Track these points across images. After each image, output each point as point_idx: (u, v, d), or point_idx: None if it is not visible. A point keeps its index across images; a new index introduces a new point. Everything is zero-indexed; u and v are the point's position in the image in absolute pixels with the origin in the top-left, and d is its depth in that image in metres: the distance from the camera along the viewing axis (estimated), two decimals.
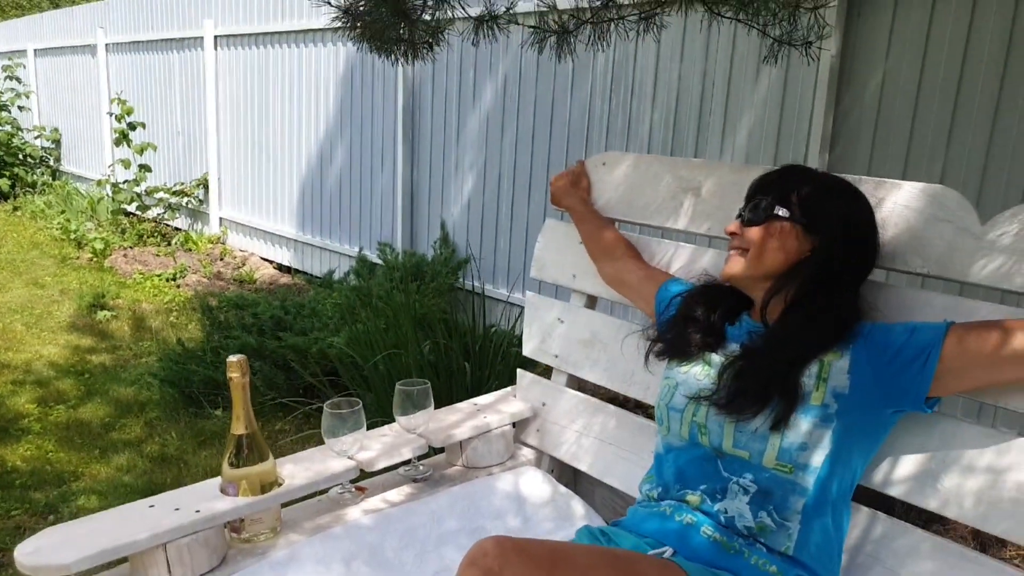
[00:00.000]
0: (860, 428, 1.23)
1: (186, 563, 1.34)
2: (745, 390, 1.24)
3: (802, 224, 1.29)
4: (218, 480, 1.48)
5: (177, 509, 1.38)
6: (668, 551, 1.21)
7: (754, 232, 1.32)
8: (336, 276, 5.00)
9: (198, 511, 1.37)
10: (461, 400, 1.97)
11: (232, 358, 1.43)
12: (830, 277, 1.29)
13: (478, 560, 0.98)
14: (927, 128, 2.77)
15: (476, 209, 4.40)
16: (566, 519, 1.68)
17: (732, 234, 1.36)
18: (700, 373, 1.34)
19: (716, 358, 1.35)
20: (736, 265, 1.34)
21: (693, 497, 1.27)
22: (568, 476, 1.90)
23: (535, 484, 1.75)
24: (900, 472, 1.33)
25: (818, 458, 1.20)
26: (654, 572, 1.07)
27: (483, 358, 2.89)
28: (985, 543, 2.30)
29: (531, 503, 1.70)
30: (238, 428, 1.46)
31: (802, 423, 1.20)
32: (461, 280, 4.40)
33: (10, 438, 3.26)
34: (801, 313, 1.28)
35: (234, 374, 1.43)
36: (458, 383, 2.73)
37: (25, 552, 1.27)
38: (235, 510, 1.41)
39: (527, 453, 1.91)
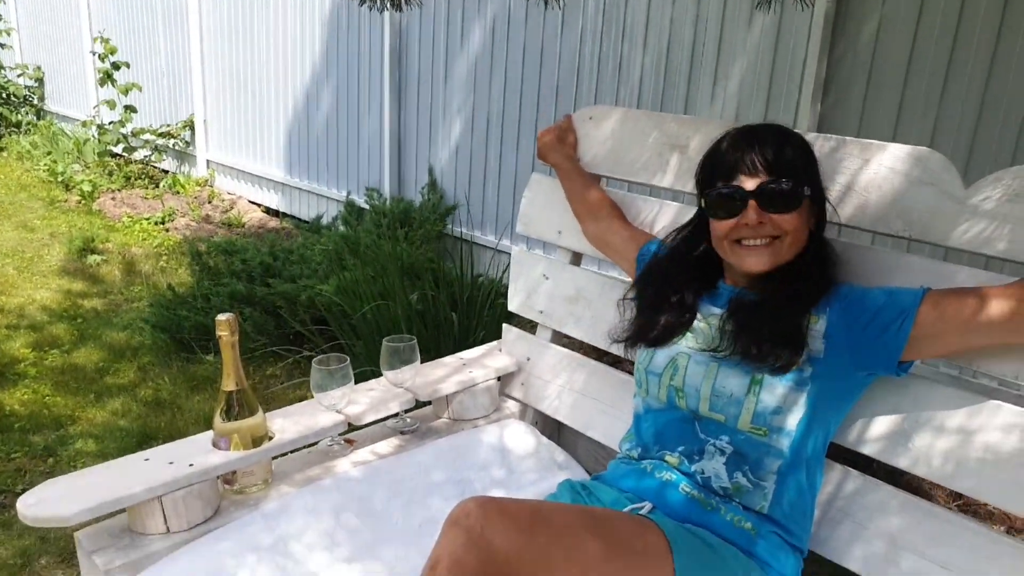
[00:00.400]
0: (834, 391, 1.26)
1: (181, 514, 1.38)
2: (759, 335, 1.24)
3: (811, 196, 1.29)
4: (210, 434, 1.51)
5: (171, 463, 1.42)
6: (647, 506, 1.25)
7: (789, 220, 1.25)
8: (324, 221, 4.99)
9: (191, 465, 1.41)
10: (448, 351, 2.01)
11: (221, 317, 1.45)
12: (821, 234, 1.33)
13: (460, 520, 1.02)
14: (922, 78, 2.75)
15: (464, 155, 4.37)
16: (549, 470, 1.73)
17: (755, 224, 1.26)
18: (679, 341, 1.36)
19: (700, 324, 1.36)
20: (765, 259, 1.27)
21: (672, 458, 1.32)
22: (552, 428, 1.95)
23: (519, 436, 1.79)
24: (873, 431, 1.37)
25: (792, 421, 1.24)
26: (631, 529, 1.11)
27: (470, 309, 2.91)
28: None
29: (515, 455, 1.75)
30: (228, 384, 1.48)
31: (777, 387, 1.23)
32: (449, 227, 4.40)
33: (7, 382, 3.30)
34: (795, 269, 1.29)
35: (223, 332, 1.45)
36: (445, 334, 2.75)
37: (28, 504, 1.31)
38: (227, 464, 1.45)
39: (512, 406, 1.95)
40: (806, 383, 1.24)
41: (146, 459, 1.43)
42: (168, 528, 1.38)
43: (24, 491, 2.55)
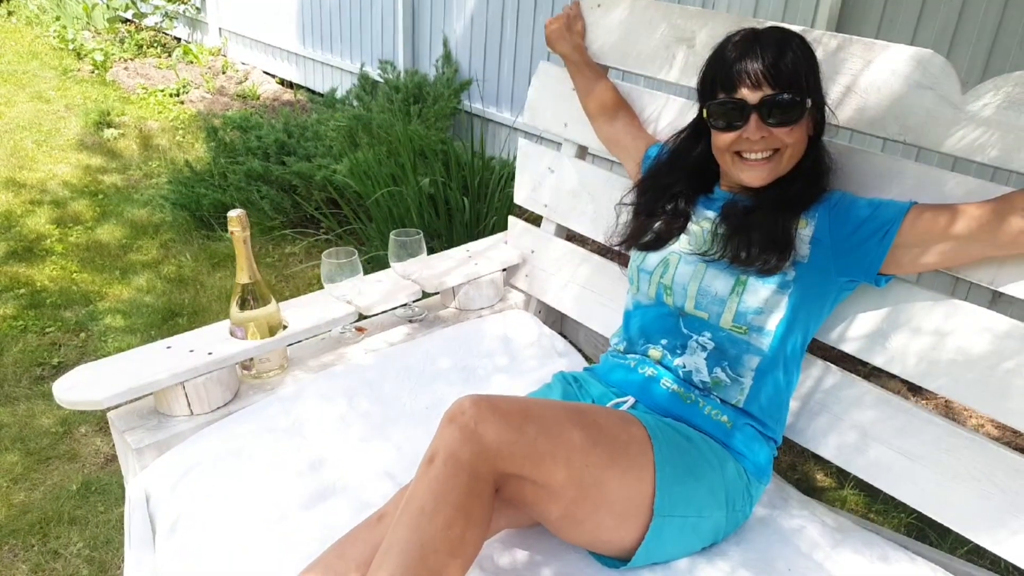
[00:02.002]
0: (815, 295, 1.32)
1: (203, 398, 1.50)
2: (749, 239, 1.29)
3: (812, 103, 1.29)
4: (227, 323, 1.61)
5: (192, 351, 1.52)
6: (630, 401, 1.34)
7: (790, 132, 1.26)
8: (339, 94, 4.94)
9: (210, 353, 1.51)
10: (460, 237, 2.06)
11: (232, 213, 1.51)
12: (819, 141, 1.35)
13: (456, 418, 1.11)
14: None
15: (480, 25, 4.26)
16: (549, 358, 1.83)
17: (754, 138, 1.27)
18: (672, 244, 1.41)
19: (693, 227, 1.41)
20: (764, 174, 1.29)
21: (655, 351, 1.39)
22: (555, 316, 2.03)
23: (522, 326, 1.88)
24: (854, 331, 1.43)
25: (772, 322, 1.30)
26: (614, 423, 1.21)
27: (482, 193, 2.94)
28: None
29: (517, 343, 1.84)
30: (242, 278, 1.56)
31: (760, 289, 1.29)
32: (464, 103, 4.35)
33: (36, 258, 3.42)
34: (790, 176, 1.31)
35: (235, 228, 1.52)
36: (456, 219, 2.80)
37: (63, 388, 1.42)
38: (243, 352, 1.55)
39: (516, 296, 2.03)
40: (788, 286, 1.29)
41: (168, 347, 1.53)
42: (192, 411, 1.50)
43: (60, 364, 2.75)
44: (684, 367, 1.36)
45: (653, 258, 1.42)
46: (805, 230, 1.32)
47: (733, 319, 1.31)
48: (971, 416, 2.49)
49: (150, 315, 3.08)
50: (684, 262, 1.38)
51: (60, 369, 2.71)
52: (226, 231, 3.72)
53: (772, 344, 1.32)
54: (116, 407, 1.50)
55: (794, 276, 1.29)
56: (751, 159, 1.29)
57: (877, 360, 1.41)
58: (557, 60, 1.96)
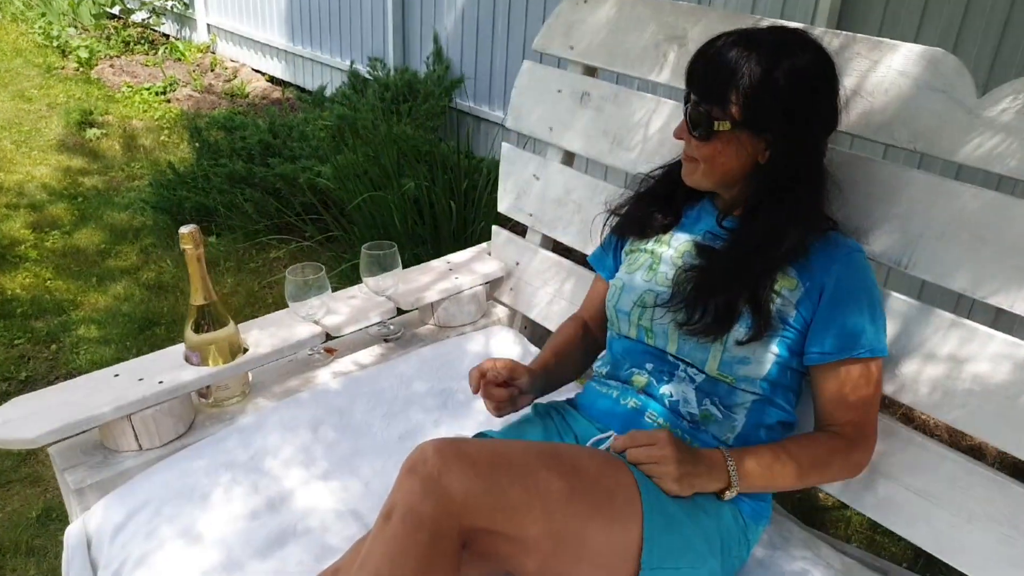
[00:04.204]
0: (803, 344, 1.20)
1: (152, 432, 1.38)
2: (706, 308, 1.17)
3: (750, 129, 1.15)
4: (182, 347, 1.49)
5: (141, 379, 1.40)
6: (612, 436, 1.22)
7: (700, 147, 1.20)
8: (328, 92, 4.82)
9: (161, 382, 1.40)
10: (447, 242, 1.94)
11: (184, 229, 1.39)
12: (793, 174, 1.18)
13: (417, 467, 0.99)
14: None
15: (471, 21, 4.13)
16: None
17: (675, 137, 1.25)
18: (646, 275, 1.29)
19: (666, 254, 1.29)
20: (691, 175, 1.25)
21: (640, 377, 1.27)
22: (542, 332, 1.91)
23: (506, 344, 1.76)
24: None
25: (763, 369, 1.18)
26: (598, 467, 1.08)
27: (470, 197, 2.82)
28: None
29: None
30: (197, 299, 1.44)
31: (741, 336, 1.17)
32: (455, 101, 4.22)
33: (8, 265, 3.30)
34: (766, 218, 1.18)
35: (187, 246, 1.40)
36: (443, 225, 2.68)
37: None
38: (198, 380, 1.43)
39: (500, 311, 1.91)
40: (776, 335, 1.17)
41: (116, 375, 1.42)
42: (140, 445, 1.38)
43: (28, 378, 2.63)
44: (671, 396, 1.23)
45: (627, 298, 1.29)
46: (793, 292, 1.18)
47: (719, 367, 1.19)
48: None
49: (127, 325, 2.96)
50: (661, 302, 1.25)
51: (28, 384, 2.59)
52: (209, 235, 3.60)
53: (765, 387, 1.20)
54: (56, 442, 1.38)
55: (781, 330, 1.18)
56: (685, 159, 1.26)
57: (886, 388, 1.29)
58: (543, 59, 1.84)
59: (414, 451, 1.02)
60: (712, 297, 1.17)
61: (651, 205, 1.35)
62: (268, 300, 3.16)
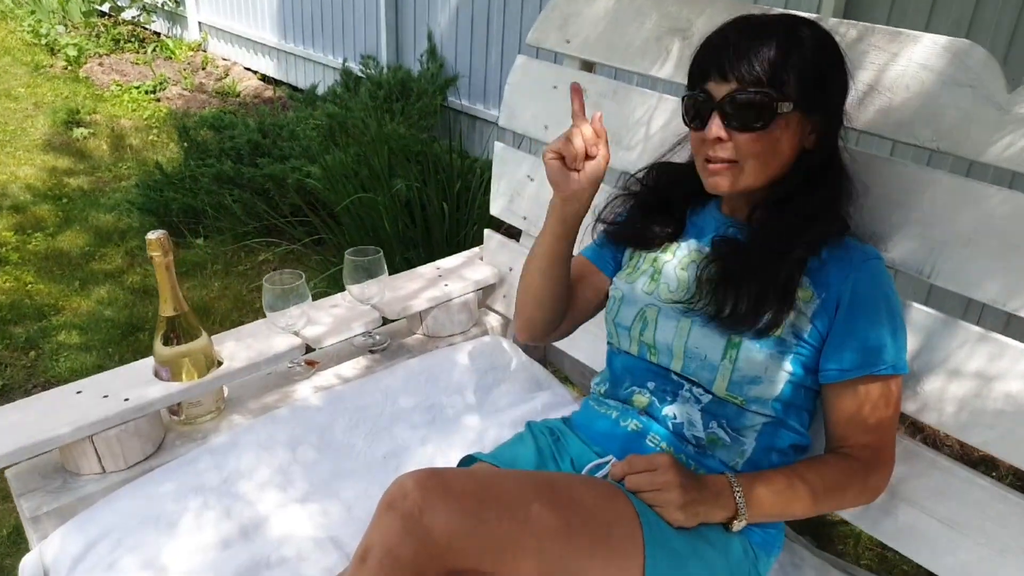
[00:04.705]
0: (818, 361, 1.10)
1: (117, 453, 1.29)
2: (737, 291, 1.06)
3: (803, 109, 1.05)
4: (151, 360, 1.39)
5: (105, 396, 1.30)
6: (611, 461, 1.12)
7: (752, 141, 1.04)
8: (320, 90, 4.71)
9: (127, 399, 1.30)
10: (440, 245, 1.84)
11: (151, 236, 1.29)
12: (827, 160, 1.11)
13: (397, 503, 0.89)
14: None
15: (465, 18, 4.03)
16: (528, 391, 1.61)
17: (714, 140, 1.06)
18: (648, 286, 1.19)
19: (668, 264, 1.19)
20: (725, 182, 1.08)
21: (641, 397, 1.17)
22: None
23: (499, 354, 1.66)
24: None
25: (775, 390, 1.08)
26: (594, 498, 0.99)
27: (463, 198, 2.72)
28: None
29: (493, 375, 1.62)
30: (166, 310, 1.34)
31: (757, 354, 1.06)
32: (449, 100, 4.12)
33: None
34: (796, 205, 1.09)
35: (155, 253, 1.30)
36: (435, 227, 2.58)
37: None
38: (167, 397, 1.33)
39: (493, 319, 1.81)
40: (789, 351, 1.07)
41: (79, 391, 1.32)
42: (103, 468, 1.28)
43: (4, 387, 2.53)
44: (675, 417, 1.14)
45: (628, 311, 1.19)
46: (810, 304, 1.08)
47: (727, 388, 1.09)
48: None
49: (109, 330, 2.86)
50: (664, 316, 1.15)
51: (4, 394, 2.49)
52: (196, 237, 3.50)
53: (777, 408, 1.11)
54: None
55: (794, 345, 1.08)
56: (713, 165, 1.08)
57: (908, 407, 1.19)
58: (532, 51, 1.74)
59: (392, 484, 0.92)
60: (744, 284, 1.05)
61: (647, 217, 1.23)
62: (256, 305, 3.05)
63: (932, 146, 1.19)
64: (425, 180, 2.73)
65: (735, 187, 1.09)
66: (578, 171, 1.09)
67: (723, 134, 1.05)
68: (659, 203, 1.23)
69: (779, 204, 1.10)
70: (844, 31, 1.25)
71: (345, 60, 4.72)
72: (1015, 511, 1.11)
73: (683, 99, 1.12)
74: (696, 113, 1.09)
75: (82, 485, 1.26)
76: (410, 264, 2.60)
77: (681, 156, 1.31)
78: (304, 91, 4.81)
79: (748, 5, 1.40)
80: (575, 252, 1.26)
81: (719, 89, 1.05)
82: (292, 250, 3.30)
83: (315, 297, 1.57)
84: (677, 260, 1.19)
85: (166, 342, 1.35)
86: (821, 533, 2.10)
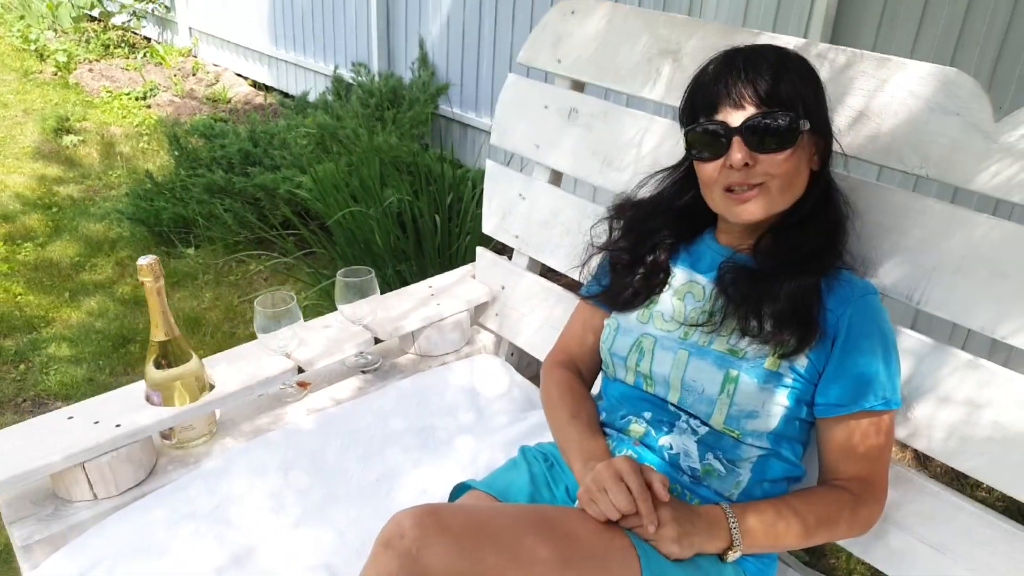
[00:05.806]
0: (812, 394, 1.11)
1: (108, 480, 1.28)
2: (760, 311, 1.07)
3: (814, 129, 1.07)
4: (142, 384, 1.39)
5: (97, 423, 1.30)
6: None
7: (780, 163, 1.04)
8: (312, 97, 4.70)
9: (118, 426, 1.29)
10: (432, 259, 1.84)
11: (142, 261, 1.29)
12: (829, 182, 1.14)
13: (393, 542, 0.89)
14: None
15: (457, 25, 4.03)
16: (522, 411, 1.62)
17: (739, 167, 1.05)
18: (642, 316, 1.19)
19: (664, 295, 1.19)
20: (757, 209, 1.07)
21: (637, 427, 1.17)
22: (529, 360, 1.82)
23: (491, 374, 1.66)
24: None
25: (772, 423, 1.09)
26: (591, 532, 0.99)
27: (455, 210, 2.71)
28: None
29: (486, 396, 1.63)
30: (157, 335, 1.34)
31: (753, 388, 1.07)
32: (441, 108, 4.12)
33: None
34: (809, 228, 1.11)
35: (146, 279, 1.30)
36: (427, 240, 2.57)
37: None
38: (159, 423, 1.33)
39: (486, 338, 1.81)
40: (785, 385, 1.08)
41: (70, 417, 1.31)
42: (95, 495, 1.28)
43: None
44: (671, 448, 1.14)
45: (623, 341, 1.19)
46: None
47: (725, 421, 1.10)
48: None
49: (100, 342, 2.85)
50: (660, 347, 1.15)
51: None
52: (187, 247, 3.49)
53: (771, 439, 1.11)
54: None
55: (791, 380, 1.08)
56: (741, 193, 1.08)
57: (899, 432, 1.20)
58: (523, 70, 1.75)
59: (389, 522, 0.92)
60: (772, 300, 1.07)
61: (631, 277, 1.22)
62: (247, 315, 3.05)
63: (920, 173, 1.20)
64: (417, 192, 2.73)
65: (768, 212, 1.08)
66: None
67: (749, 159, 1.04)
68: (638, 259, 1.22)
69: (787, 230, 1.11)
70: (833, 57, 1.26)
71: (336, 67, 4.72)
72: (1003, 537, 1.12)
73: (687, 133, 1.11)
74: (708, 143, 1.08)
75: (74, 512, 1.26)
76: (402, 277, 2.60)
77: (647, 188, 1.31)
78: (295, 97, 4.80)
79: (737, 28, 1.41)
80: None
81: (734, 116, 1.05)
82: (285, 263, 3.30)
83: (307, 310, 1.58)
84: (673, 290, 1.19)
85: (158, 366, 1.35)
86: (814, 550, 2.11)
